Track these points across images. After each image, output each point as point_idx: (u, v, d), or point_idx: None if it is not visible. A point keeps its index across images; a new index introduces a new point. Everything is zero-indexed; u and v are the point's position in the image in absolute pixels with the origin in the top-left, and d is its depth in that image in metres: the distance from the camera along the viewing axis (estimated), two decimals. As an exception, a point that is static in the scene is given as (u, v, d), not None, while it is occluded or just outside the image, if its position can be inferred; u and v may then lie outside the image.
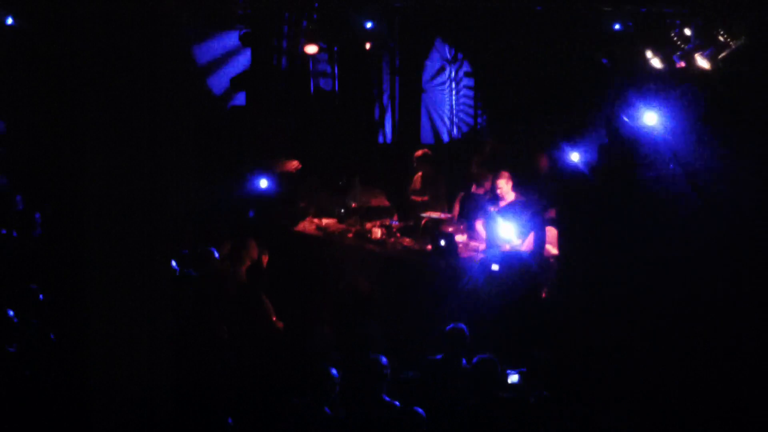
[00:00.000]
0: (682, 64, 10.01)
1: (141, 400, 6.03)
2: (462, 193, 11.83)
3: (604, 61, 10.69)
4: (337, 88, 14.28)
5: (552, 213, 10.58)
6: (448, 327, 7.93)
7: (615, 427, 7.36)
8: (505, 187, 10.85)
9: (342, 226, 12.19)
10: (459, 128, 14.71)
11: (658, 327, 8.62)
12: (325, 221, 12.42)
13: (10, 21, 11.95)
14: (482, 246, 10.94)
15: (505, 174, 10.93)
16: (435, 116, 14.89)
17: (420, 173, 12.59)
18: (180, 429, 6.37)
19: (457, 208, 11.95)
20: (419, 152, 12.61)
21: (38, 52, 6.23)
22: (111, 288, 5.86)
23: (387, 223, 11.94)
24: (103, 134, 5.77)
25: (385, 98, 14.26)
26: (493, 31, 11.93)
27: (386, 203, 12.74)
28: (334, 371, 7.02)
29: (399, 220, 12.11)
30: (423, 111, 14.58)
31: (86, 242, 5.80)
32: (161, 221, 6.06)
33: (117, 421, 5.95)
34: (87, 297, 5.84)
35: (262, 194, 12.78)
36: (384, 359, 7.24)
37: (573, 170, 9.88)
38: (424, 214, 11.87)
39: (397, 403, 7.12)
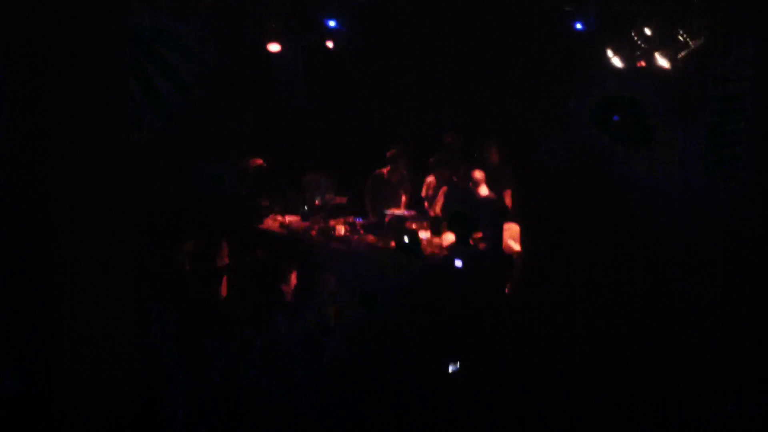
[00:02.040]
0: (643, 63, 10.15)
1: (108, 401, 6.00)
2: (446, 187, 11.87)
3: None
4: (300, 87, 14.28)
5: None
6: None
7: (579, 422, 7.47)
8: (478, 185, 10.99)
9: (306, 224, 12.22)
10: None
11: (622, 323, 8.73)
12: (288, 218, 12.44)
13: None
14: (446, 242, 11.04)
15: (478, 172, 11.06)
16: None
17: (389, 168, 12.56)
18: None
19: (440, 201, 11.98)
20: (391, 151, 12.58)
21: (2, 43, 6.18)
22: (77, 287, 5.82)
23: (351, 220, 11.98)
24: (69, 131, 5.74)
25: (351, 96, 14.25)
26: (454, 25, 12.00)
27: (343, 200, 12.77)
28: (301, 366, 7.06)
29: (359, 217, 12.18)
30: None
31: (52, 241, 5.76)
32: (129, 220, 6.05)
33: (84, 422, 5.91)
34: (53, 296, 5.79)
35: (225, 192, 12.76)
36: None
37: (537, 166, 9.98)
38: (388, 211, 11.93)
39: None
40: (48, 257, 5.78)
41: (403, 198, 12.50)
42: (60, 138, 5.72)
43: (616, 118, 9.27)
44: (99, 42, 5.80)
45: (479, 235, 10.64)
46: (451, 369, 7.76)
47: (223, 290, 9.89)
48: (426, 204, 12.27)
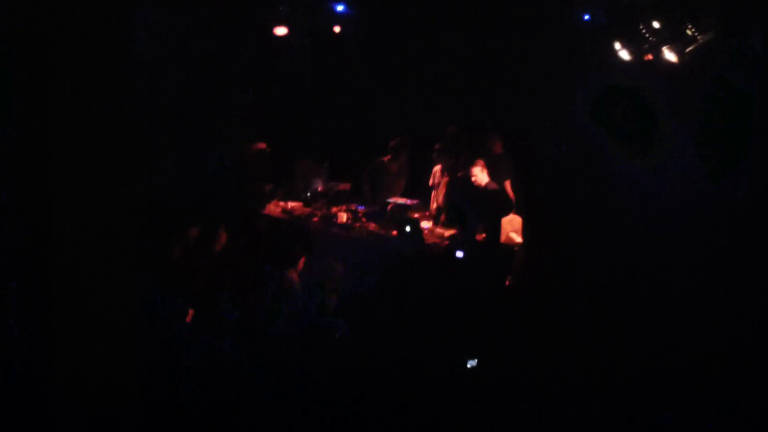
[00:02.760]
0: (650, 56, 10.07)
1: (106, 396, 5.99)
2: (447, 177, 11.84)
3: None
4: (305, 74, 14.23)
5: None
6: None
7: (579, 416, 7.45)
8: (480, 175, 10.92)
9: (308, 210, 12.20)
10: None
11: (621, 317, 8.71)
12: (291, 204, 12.43)
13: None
14: (448, 232, 11.01)
15: (480, 162, 11.00)
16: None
17: (389, 157, 12.54)
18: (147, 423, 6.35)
19: (443, 191, 11.95)
20: (394, 141, 12.55)
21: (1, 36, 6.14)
22: (77, 278, 5.79)
23: (353, 207, 11.96)
24: (68, 121, 5.70)
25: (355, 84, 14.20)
26: (460, 17, 11.95)
27: (346, 187, 12.77)
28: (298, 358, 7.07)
29: (361, 204, 12.17)
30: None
31: (52, 232, 5.73)
32: (129, 209, 6.02)
33: (81, 417, 5.90)
34: (52, 287, 5.77)
35: (226, 176, 12.76)
36: None
37: (540, 160, 9.94)
38: (390, 200, 11.90)
39: None
40: (47, 251, 5.76)
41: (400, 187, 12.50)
42: (60, 131, 5.69)
43: (618, 114, 9.22)
44: (102, 34, 5.76)
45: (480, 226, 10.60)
46: (469, 365, 7.77)
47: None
48: (434, 193, 12.24)
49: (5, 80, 6.01)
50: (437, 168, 12.19)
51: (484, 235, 10.17)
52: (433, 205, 12.02)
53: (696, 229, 8.58)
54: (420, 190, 12.40)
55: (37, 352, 5.94)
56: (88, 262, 5.80)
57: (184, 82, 13.16)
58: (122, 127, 5.88)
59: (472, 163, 11.05)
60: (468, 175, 11.09)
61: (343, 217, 11.66)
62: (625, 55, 10.26)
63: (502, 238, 10.51)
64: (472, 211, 10.42)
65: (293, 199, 12.59)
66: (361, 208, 11.93)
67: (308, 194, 12.39)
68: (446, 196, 11.68)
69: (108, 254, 5.88)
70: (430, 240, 10.91)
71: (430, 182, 12.30)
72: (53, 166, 5.69)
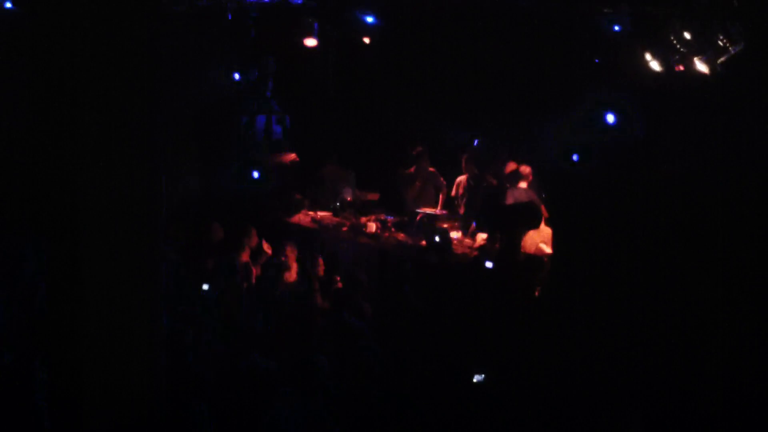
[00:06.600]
0: (681, 67, 10.03)
1: (134, 399, 6.02)
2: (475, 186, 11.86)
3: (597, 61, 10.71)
4: (334, 83, 14.28)
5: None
6: None
7: (610, 428, 7.41)
8: (516, 183, 10.97)
9: (337, 219, 12.24)
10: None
11: (652, 328, 8.65)
12: (320, 214, 12.48)
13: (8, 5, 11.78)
14: (478, 243, 11.01)
15: (524, 168, 11.04)
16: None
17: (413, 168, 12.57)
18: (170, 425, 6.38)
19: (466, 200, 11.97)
20: (417, 149, 12.58)
21: (32, 45, 6.20)
22: (105, 283, 5.84)
23: (382, 217, 11.99)
24: (98, 128, 5.76)
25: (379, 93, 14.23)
26: (490, 30, 11.96)
27: (375, 197, 12.81)
28: (323, 360, 7.07)
29: (390, 214, 12.19)
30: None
31: (81, 237, 5.79)
32: (157, 216, 6.07)
33: (108, 419, 5.94)
34: (81, 292, 5.82)
35: (257, 186, 12.81)
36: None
37: (568, 169, 9.91)
38: (419, 210, 11.92)
39: None
40: (75, 254, 5.82)
41: (441, 197, 12.50)
42: (88, 139, 5.75)
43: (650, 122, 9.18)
44: (127, 40, 5.81)
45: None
46: (475, 379, 7.75)
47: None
48: (456, 203, 12.24)
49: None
50: (461, 178, 12.19)
51: (498, 245, 10.20)
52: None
53: (738, 240, 8.45)
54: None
55: (65, 354, 6.00)
56: (115, 265, 5.86)
57: (211, 91, 13.26)
58: (149, 133, 5.94)
59: (517, 170, 11.11)
60: (500, 185, 11.14)
61: (372, 226, 11.69)
62: (655, 65, 10.22)
63: (532, 249, 10.50)
64: (497, 221, 10.44)
65: (322, 209, 12.64)
66: (389, 218, 11.96)
67: (337, 204, 12.44)
68: (477, 205, 11.72)
69: (134, 258, 5.94)
70: (459, 250, 10.92)
71: (453, 193, 12.30)
72: (82, 173, 5.75)
